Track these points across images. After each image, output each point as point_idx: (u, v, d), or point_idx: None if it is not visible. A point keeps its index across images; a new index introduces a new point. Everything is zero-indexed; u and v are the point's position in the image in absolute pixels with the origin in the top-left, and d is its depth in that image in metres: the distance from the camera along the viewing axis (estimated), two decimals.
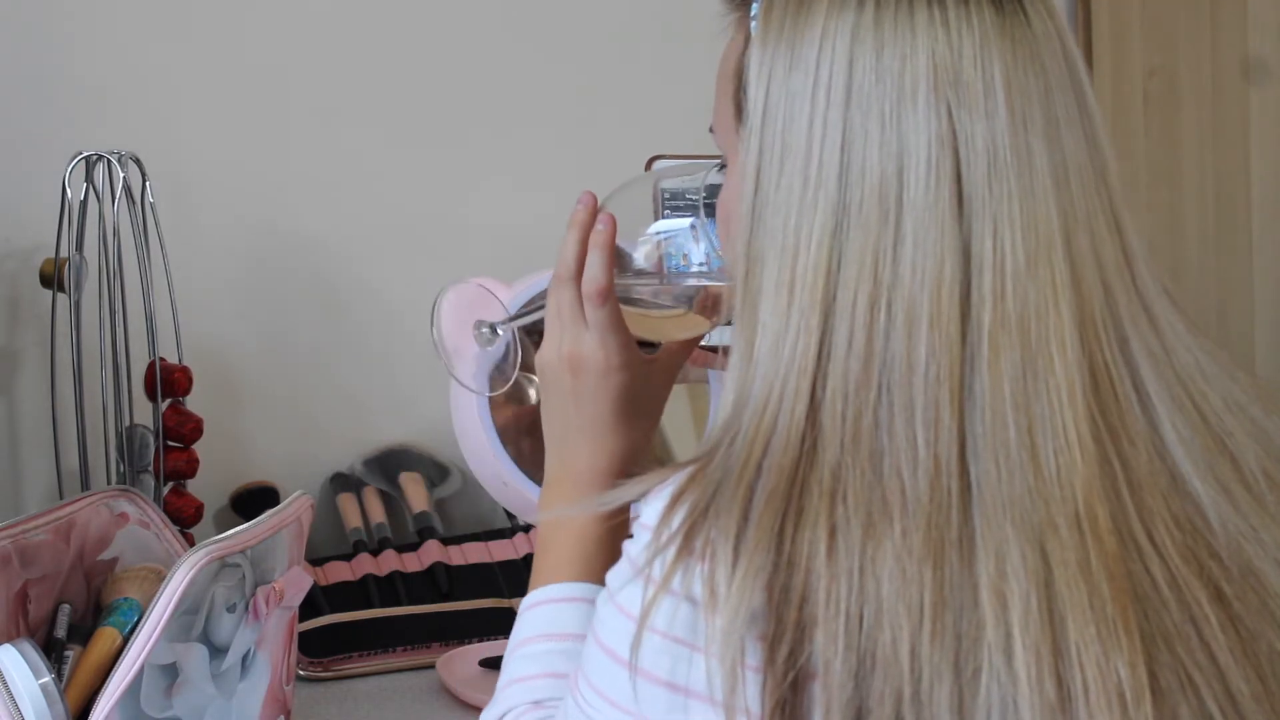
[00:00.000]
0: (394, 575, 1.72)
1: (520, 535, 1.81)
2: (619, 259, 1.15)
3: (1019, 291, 0.92)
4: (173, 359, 1.69)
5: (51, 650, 1.33)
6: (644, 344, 1.17)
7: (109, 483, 1.67)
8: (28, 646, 1.23)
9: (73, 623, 1.36)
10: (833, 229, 0.93)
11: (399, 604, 1.69)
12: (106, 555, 1.43)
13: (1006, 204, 0.92)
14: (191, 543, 1.48)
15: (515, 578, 1.74)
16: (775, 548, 0.88)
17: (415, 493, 1.86)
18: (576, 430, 1.14)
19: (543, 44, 1.93)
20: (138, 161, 1.65)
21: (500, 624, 1.64)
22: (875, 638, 0.87)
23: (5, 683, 1.21)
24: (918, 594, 0.87)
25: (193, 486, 1.71)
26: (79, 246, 1.64)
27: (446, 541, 1.79)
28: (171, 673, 1.25)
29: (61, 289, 1.66)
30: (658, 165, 1.35)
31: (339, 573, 1.73)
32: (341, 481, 1.88)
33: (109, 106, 1.77)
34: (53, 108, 1.75)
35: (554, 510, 1.14)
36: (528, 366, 1.22)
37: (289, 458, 1.87)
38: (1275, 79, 2.18)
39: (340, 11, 1.86)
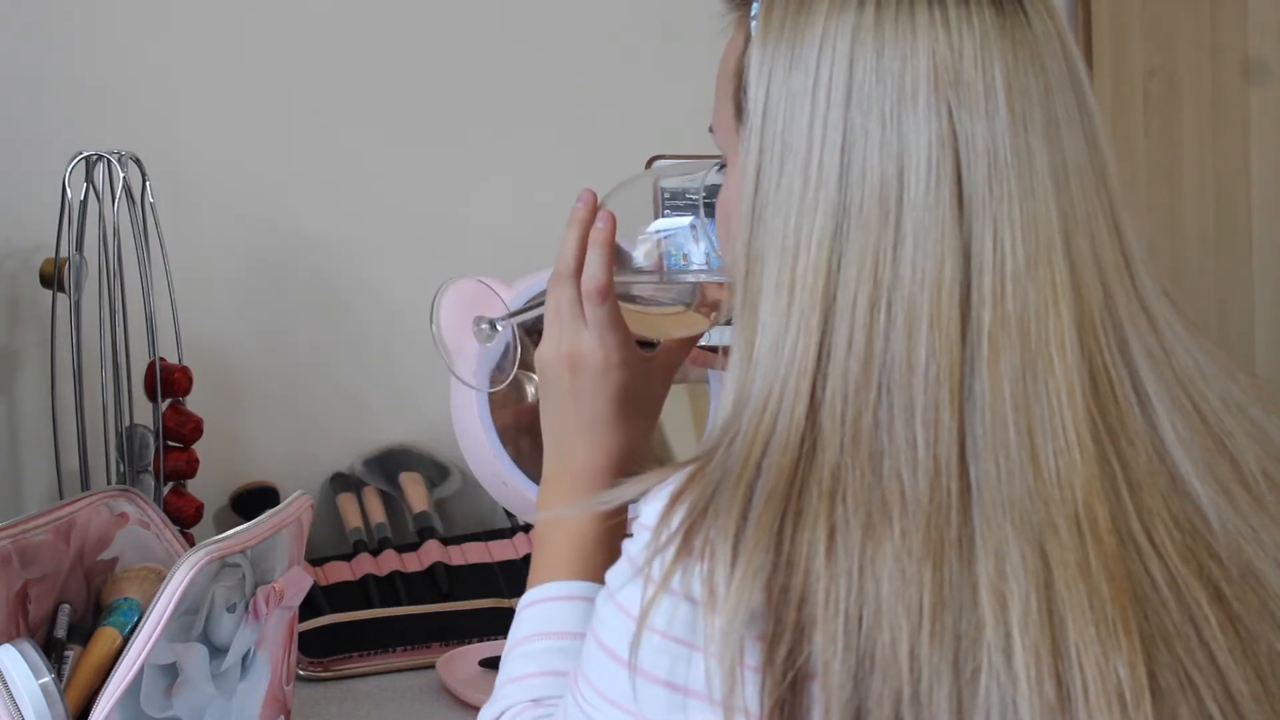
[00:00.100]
0: (394, 575, 1.72)
1: (520, 535, 1.81)
2: (618, 257, 1.15)
3: (1019, 292, 0.92)
4: (173, 359, 1.69)
5: (51, 650, 1.33)
6: (642, 343, 1.17)
7: (109, 483, 1.67)
8: (28, 646, 1.23)
9: (73, 623, 1.36)
10: (833, 229, 0.93)
11: (399, 604, 1.69)
12: (106, 555, 1.43)
13: (1007, 205, 0.92)
14: (191, 543, 1.48)
15: (515, 578, 1.74)
16: (774, 548, 0.88)
17: (415, 493, 1.86)
18: (575, 428, 1.14)
19: (543, 44, 1.93)
20: (138, 161, 1.65)
21: (500, 624, 1.64)
22: (874, 638, 0.87)
23: (5, 683, 1.21)
24: (917, 594, 0.87)
25: (193, 486, 1.71)
26: (79, 246, 1.64)
27: (446, 541, 1.79)
28: (171, 673, 1.25)
29: (61, 289, 1.66)
30: (658, 165, 1.35)
31: (339, 573, 1.73)
32: (341, 481, 1.88)
33: (109, 106, 1.77)
34: (53, 108, 1.75)
35: (552, 509, 1.14)
36: (527, 364, 1.22)
37: (289, 458, 1.87)
38: (1275, 79, 2.18)
39: (340, 11, 1.86)
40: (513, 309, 1.24)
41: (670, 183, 1.17)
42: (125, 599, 1.36)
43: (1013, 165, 0.92)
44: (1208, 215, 2.18)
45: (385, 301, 1.88)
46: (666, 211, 1.17)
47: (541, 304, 1.17)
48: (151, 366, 1.67)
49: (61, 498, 1.67)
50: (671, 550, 0.90)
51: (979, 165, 0.92)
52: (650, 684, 0.92)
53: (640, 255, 1.17)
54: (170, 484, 1.69)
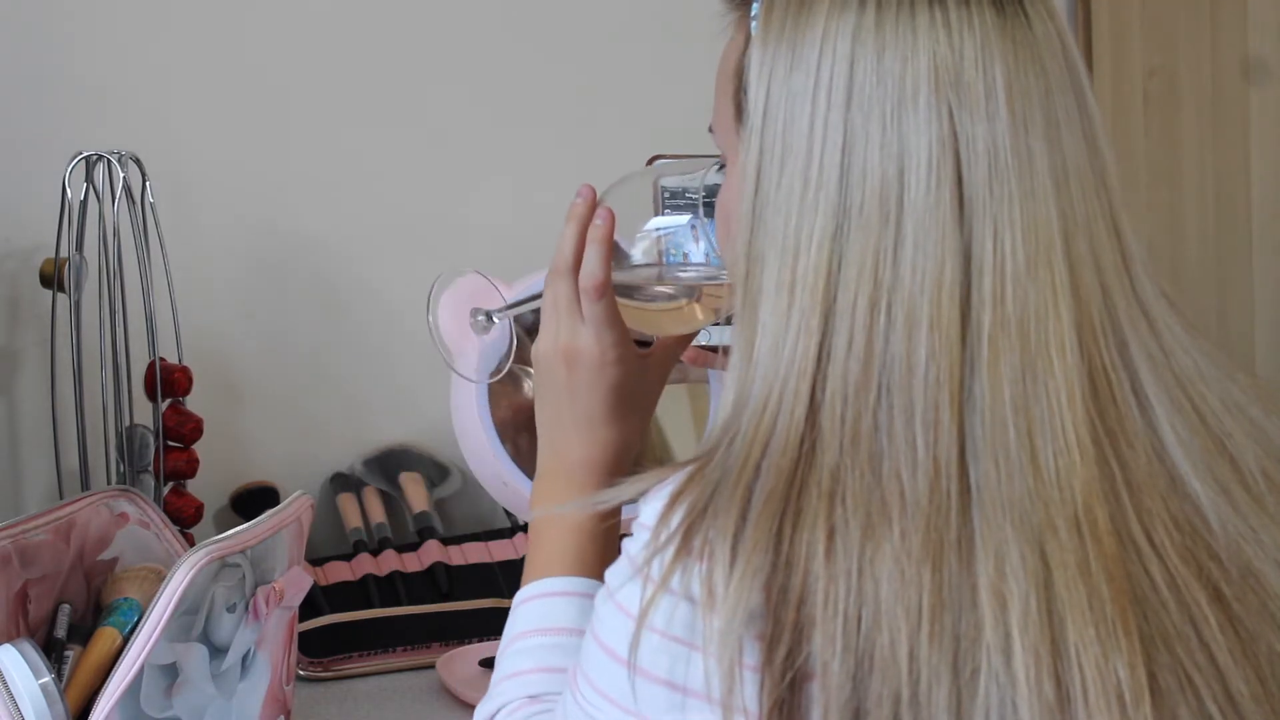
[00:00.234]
0: (394, 575, 1.72)
1: (520, 535, 1.81)
2: (615, 253, 1.15)
3: (1019, 294, 0.92)
4: (173, 359, 1.69)
5: (51, 650, 1.33)
6: (638, 341, 1.17)
7: (109, 483, 1.67)
8: (28, 646, 1.23)
9: (73, 623, 1.36)
10: (833, 230, 0.93)
11: (399, 604, 1.69)
12: (106, 555, 1.43)
13: (1007, 206, 0.92)
14: (191, 543, 1.48)
15: (515, 578, 1.72)
16: (773, 548, 0.88)
17: (415, 493, 1.86)
18: (570, 422, 1.14)
19: (543, 44, 1.93)
20: (138, 161, 1.65)
21: (500, 624, 1.62)
22: (873, 639, 0.87)
23: (5, 683, 1.21)
24: (916, 595, 0.87)
25: (193, 486, 1.71)
26: (79, 246, 1.64)
27: (446, 541, 1.79)
28: (171, 673, 1.25)
29: (61, 289, 1.66)
30: (658, 164, 1.35)
31: (339, 573, 1.73)
32: (341, 481, 1.88)
33: (109, 106, 1.77)
34: (53, 108, 1.75)
35: (549, 507, 1.14)
36: (525, 361, 1.22)
37: (289, 458, 1.87)
38: (1275, 79, 2.18)
39: (340, 11, 1.86)
40: (510, 301, 1.24)
41: (670, 182, 1.17)
42: (125, 599, 1.36)
43: (1013, 166, 0.92)
44: (1208, 215, 2.18)
45: (385, 301, 1.88)
46: (666, 210, 1.17)
47: (538, 297, 1.17)
48: (151, 366, 1.67)
49: (61, 498, 1.67)
50: (671, 550, 0.90)
51: (979, 166, 0.92)
52: (649, 683, 0.92)
53: (639, 252, 1.17)
54: (170, 484, 1.69)
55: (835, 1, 0.94)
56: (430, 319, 1.23)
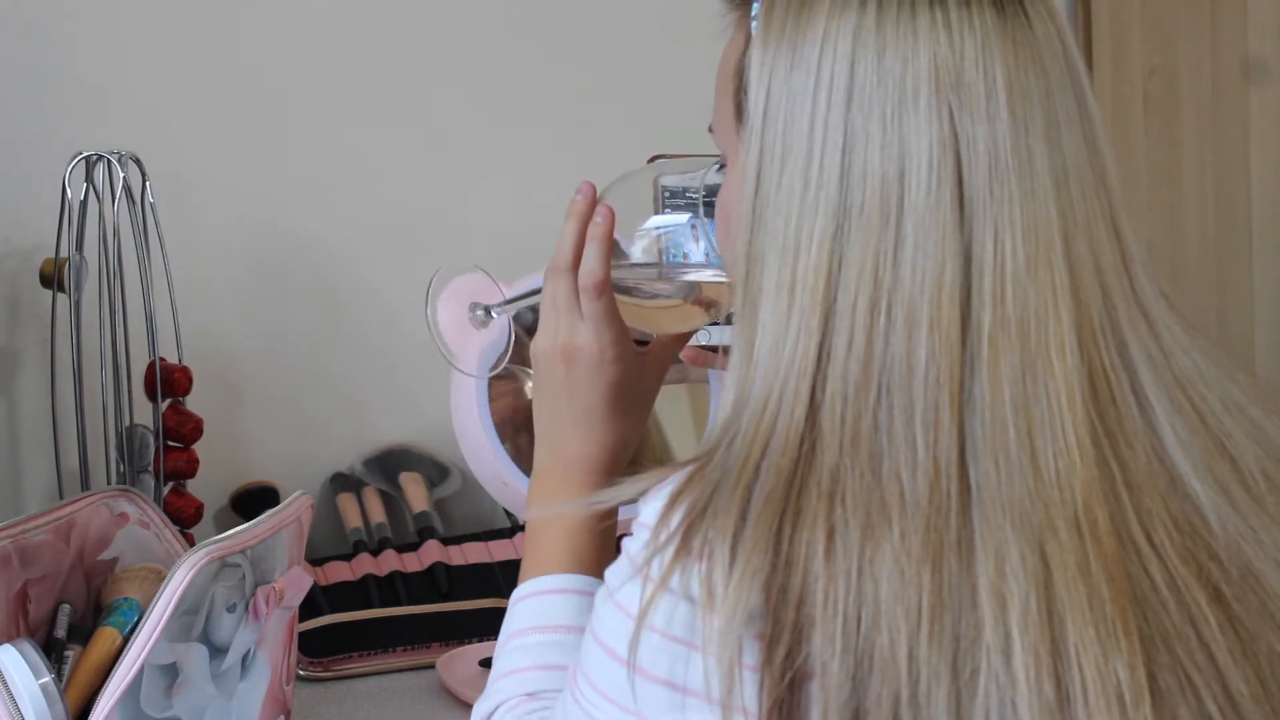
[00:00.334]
0: (394, 575, 1.72)
1: (520, 535, 1.81)
2: (614, 251, 1.15)
3: (1019, 295, 0.92)
4: (173, 359, 1.69)
5: (51, 650, 1.33)
6: (636, 340, 1.17)
7: (109, 483, 1.67)
8: (28, 646, 1.23)
9: (73, 623, 1.36)
10: (833, 231, 0.93)
11: (399, 604, 1.69)
12: (106, 555, 1.43)
13: (1007, 207, 0.92)
14: (191, 543, 1.48)
15: (515, 578, 1.72)
16: (773, 548, 0.88)
17: (415, 493, 1.86)
18: (568, 419, 1.15)
19: (543, 44, 1.93)
20: (138, 161, 1.65)
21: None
22: (873, 639, 0.87)
23: (5, 683, 1.21)
24: (916, 596, 0.87)
25: (193, 486, 1.71)
26: (79, 246, 1.64)
27: (446, 541, 1.79)
28: (171, 673, 1.25)
29: (61, 289, 1.66)
30: (658, 163, 1.36)
31: (339, 573, 1.73)
32: (341, 481, 1.88)
33: (109, 106, 1.77)
34: (53, 108, 1.75)
35: (547, 507, 1.14)
36: (525, 361, 1.22)
37: (289, 458, 1.87)
38: (1275, 79, 2.18)
39: (340, 11, 1.86)
40: (508, 296, 1.24)
41: (670, 181, 1.17)
42: (125, 599, 1.36)
43: (1013, 167, 0.92)
44: (1208, 215, 2.18)
45: (385, 301, 1.88)
46: (666, 210, 1.17)
47: (537, 292, 1.17)
48: (151, 366, 1.67)
49: (61, 498, 1.67)
50: (670, 550, 0.90)
51: (980, 167, 0.92)
52: (649, 683, 0.92)
53: (638, 250, 1.17)
54: (170, 484, 1.69)
55: (836, 2, 0.94)
56: (429, 313, 1.23)
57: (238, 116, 1.83)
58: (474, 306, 1.23)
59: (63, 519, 1.39)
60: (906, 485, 0.90)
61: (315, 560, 1.75)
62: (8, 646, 1.23)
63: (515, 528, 1.83)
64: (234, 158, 1.83)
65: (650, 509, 0.93)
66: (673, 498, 0.92)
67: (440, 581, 1.72)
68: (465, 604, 1.68)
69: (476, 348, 1.27)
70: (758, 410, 0.93)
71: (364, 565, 1.74)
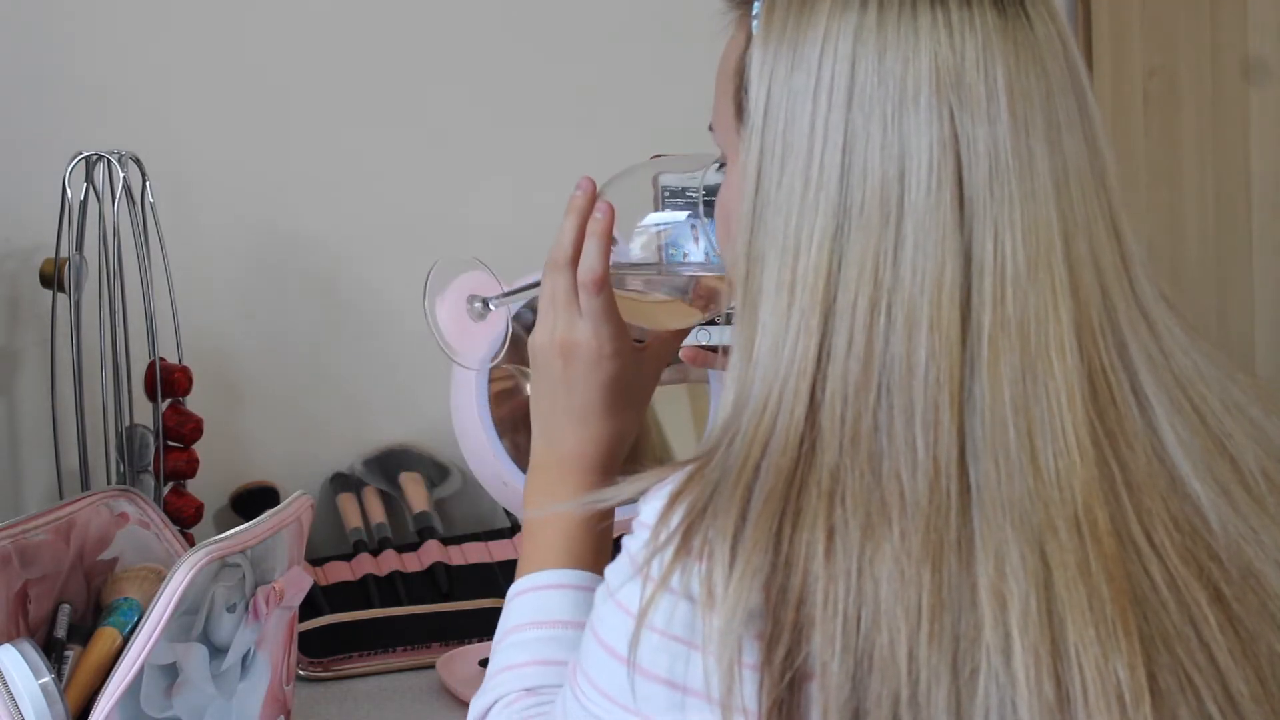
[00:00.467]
0: (394, 575, 1.72)
1: (520, 535, 1.80)
2: (613, 246, 1.15)
3: (1019, 295, 0.92)
4: (173, 359, 1.69)
5: (51, 650, 1.33)
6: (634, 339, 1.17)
7: (109, 483, 1.67)
8: (28, 646, 1.23)
9: (73, 623, 1.36)
10: (834, 231, 0.93)
11: (399, 604, 1.69)
12: (106, 555, 1.43)
13: (1008, 208, 0.92)
14: (191, 543, 1.48)
15: (514, 577, 1.74)
16: (773, 548, 0.88)
17: (415, 493, 1.86)
18: (565, 415, 1.15)
19: (543, 44, 1.93)
20: (138, 161, 1.65)
21: None
22: (873, 639, 0.87)
23: (5, 683, 1.21)
24: (916, 595, 0.87)
25: (193, 486, 1.71)
26: (79, 246, 1.64)
27: (446, 541, 1.79)
28: (171, 673, 1.25)
29: (61, 289, 1.66)
30: (658, 159, 1.36)
31: (339, 573, 1.73)
32: (341, 481, 1.88)
33: (109, 106, 1.77)
34: (53, 108, 1.75)
35: (549, 507, 1.14)
36: (524, 361, 1.22)
37: (289, 458, 1.87)
38: (1275, 79, 2.18)
39: (340, 11, 1.86)
40: (507, 289, 1.24)
41: (669, 180, 1.17)
42: (125, 599, 1.36)
43: (1014, 168, 0.92)
44: (1208, 215, 2.18)
45: (385, 301, 1.88)
46: (665, 208, 1.17)
47: (535, 285, 1.17)
48: (151, 366, 1.67)
49: (61, 498, 1.67)
50: (670, 549, 0.90)
51: (980, 168, 0.92)
52: (649, 682, 0.92)
53: (637, 246, 1.17)
54: (170, 484, 1.69)
55: (837, 1, 0.94)
56: (426, 304, 1.23)
57: (238, 116, 1.83)
58: (472, 299, 1.23)
59: (63, 519, 1.39)
60: (906, 485, 0.90)
61: (315, 560, 1.75)
62: (8, 646, 1.23)
63: (515, 528, 1.83)
64: (234, 158, 1.83)
65: (650, 508, 0.93)
66: (673, 497, 0.92)
67: (440, 581, 1.72)
68: (465, 604, 1.68)
69: (474, 341, 1.27)
70: (758, 410, 0.93)
71: (364, 565, 1.74)
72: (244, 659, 1.30)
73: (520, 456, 1.38)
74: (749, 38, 0.99)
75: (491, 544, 1.80)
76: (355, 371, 1.90)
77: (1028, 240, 0.92)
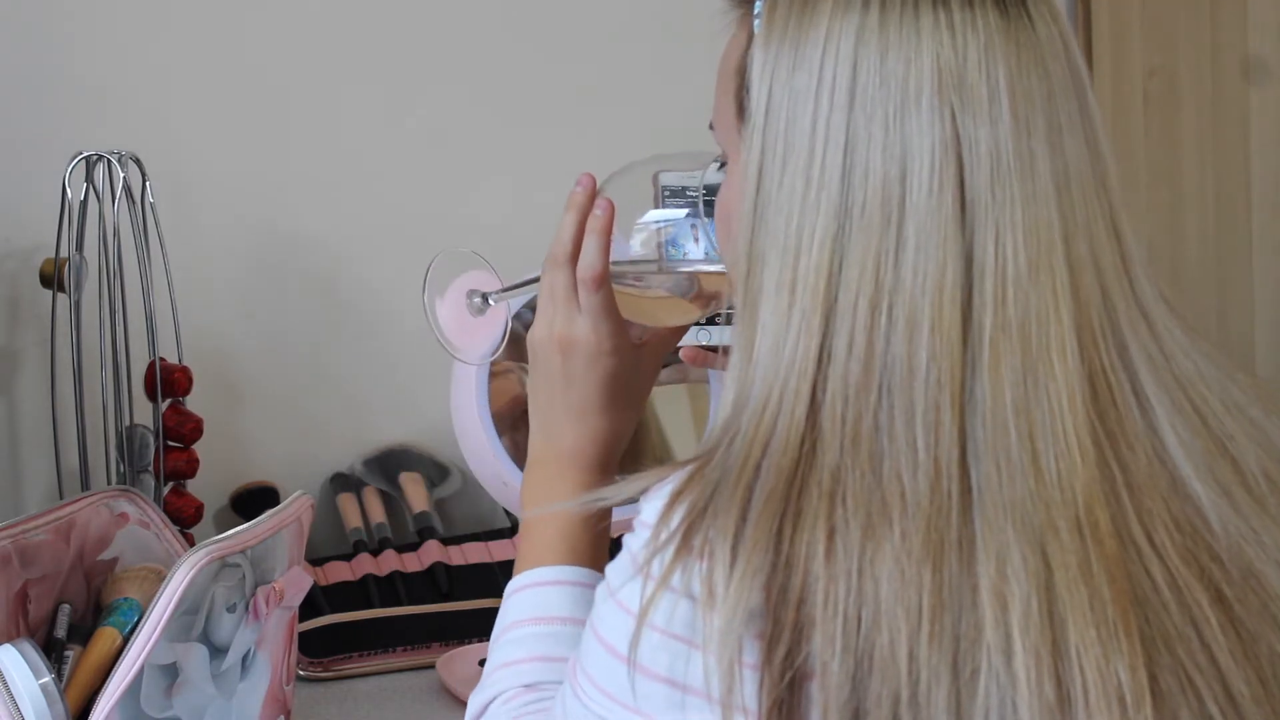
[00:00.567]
0: (394, 575, 1.72)
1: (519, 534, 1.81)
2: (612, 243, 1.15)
3: (1020, 297, 0.92)
4: (173, 359, 1.69)
5: (51, 650, 1.33)
6: None
7: (109, 483, 1.67)
8: (28, 646, 1.23)
9: (73, 623, 1.36)
10: (835, 231, 0.93)
11: (399, 604, 1.69)
12: (106, 555, 1.43)
13: (1009, 209, 0.92)
14: (191, 543, 1.48)
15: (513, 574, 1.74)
16: (773, 548, 0.88)
17: (415, 493, 1.86)
18: (563, 410, 1.15)
19: (543, 44, 1.93)
20: (138, 161, 1.65)
21: None
22: (873, 639, 0.87)
23: (5, 683, 1.21)
24: (916, 596, 0.87)
25: (193, 486, 1.71)
26: (79, 246, 1.64)
27: (446, 541, 1.79)
28: (171, 673, 1.25)
29: (61, 289, 1.66)
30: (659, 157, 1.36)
31: (339, 573, 1.73)
32: (341, 481, 1.88)
33: (109, 106, 1.77)
34: (53, 108, 1.75)
35: (549, 506, 1.14)
36: (523, 358, 1.22)
37: (289, 458, 1.87)
38: (1275, 79, 2.18)
39: (340, 12, 1.86)
40: (506, 285, 1.24)
41: (670, 179, 1.17)
42: (125, 599, 1.36)
43: (1015, 170, 0.92)
44: (1208, 215, 2.18)
45: (385, 301, 1.88)
46: (665, 207, 1.17)
47: (534, 280, 1.17)
48: (151, 366, 1.67)
49: (61, 498, 1.67)
50: (671, 549, 0.90)
51: (982, 169, 0.92)
52: (649, 681, 0.92)
53: (637, 243, 1.17)
54: (170, 484, 1.69)
55: (839, 2, 0.94)
56: (426, 300, 1.23)
57: (238, 116, 1.83)
58: (471, 294, 1.23)
59: (63, 519, 1.39)
60: (907, 486, 0.90)
61: (315, 560, 1.75)
62: (8, 646, 1.23)
63: (515, 528, 1.83)
64: (234, 158, 1.82)
65: (651, 507, 0.93)
66: (673, 497, 0.92)
67: (440, 581, 1.72)
68: (465, 604, 1.68)
69: (473, 336, 1.27)
70: (758, 410, 0.93)
71: (364, 565, 1.74)
72: (244, 659, 1.30)
73: (520, 455, 1.38)
74: (750, 37, 0.99)
75: (491, 544, 1.80)
76: (355, 371, 1.90)
77: (1029, 242, 0.92)
